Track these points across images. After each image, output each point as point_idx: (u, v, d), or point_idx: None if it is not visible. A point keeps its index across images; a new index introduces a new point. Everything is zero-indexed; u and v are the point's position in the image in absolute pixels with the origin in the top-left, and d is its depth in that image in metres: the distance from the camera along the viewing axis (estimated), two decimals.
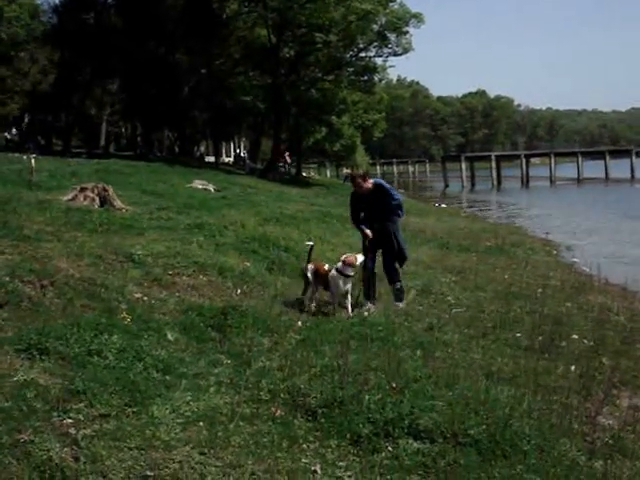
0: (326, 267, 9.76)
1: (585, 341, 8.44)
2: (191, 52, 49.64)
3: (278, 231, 15.29)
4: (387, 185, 10.31)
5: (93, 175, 21.50)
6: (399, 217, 10.33)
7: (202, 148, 71.19)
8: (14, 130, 51.33)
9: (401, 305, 9.97)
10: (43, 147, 43.23)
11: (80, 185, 15.49)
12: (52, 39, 47.81)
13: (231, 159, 72.15)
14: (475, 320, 9.40)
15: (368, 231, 10.05)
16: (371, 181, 10.23)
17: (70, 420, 4.79)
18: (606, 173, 77.07)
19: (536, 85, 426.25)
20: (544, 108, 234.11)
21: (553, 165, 79.96)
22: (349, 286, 9.55)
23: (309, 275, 9.75)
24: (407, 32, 48.21)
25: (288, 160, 57.32)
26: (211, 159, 59.93)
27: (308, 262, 10.03)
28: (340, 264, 9.53)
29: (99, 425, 4.80)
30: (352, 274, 9.56)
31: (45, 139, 48.56)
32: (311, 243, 10.66)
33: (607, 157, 79.82)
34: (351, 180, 10.77)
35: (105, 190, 15.07)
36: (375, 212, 10.08)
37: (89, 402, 5.08)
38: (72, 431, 4.63)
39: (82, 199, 14.61)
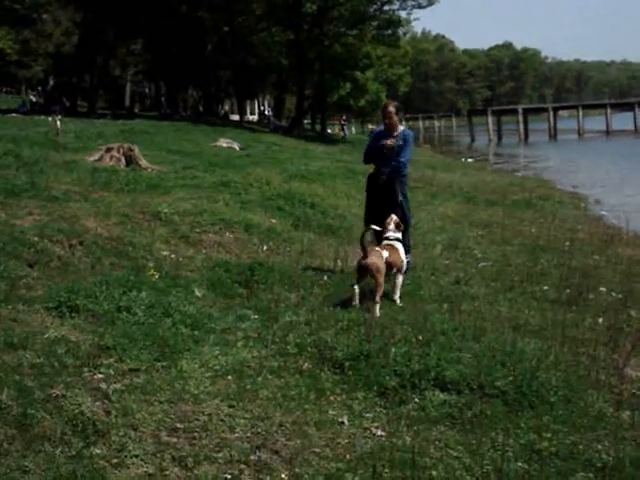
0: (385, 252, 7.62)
1: (613, 294, 8.39)
2: (213, 9, 49.34)
3: (304, 188, 15.27)
4: (411, 140, 8.95)
5: (119, 135, 21.60)
6: (404, 178, 9.01)
7: (226, 107, 71.32)
8: (33, 94, 51.58)
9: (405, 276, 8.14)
10: (68, 109, 43.40)
11: (106, 146, 15.57)
12: (74, 0, 47.66)
13: (255, 117, 72.12)
14: (502, 274, 9.37)
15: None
16: (401, 127, 8.97)
17: (101, 375, 4.88)
18: (635, 125, 75.76)
19: (563, 36, 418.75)
20: (572, 60, 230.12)
21: (581, 117, 78.83)
22: None
23: (381, 266, 7.35)
24: None
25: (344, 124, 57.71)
26: (235, 117, 60.00)
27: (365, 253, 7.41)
28: (392, 232, 8.06)
29: (129, 380, 4.88)
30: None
31: (70, 101, 48.72)
32: (376, 227, 8.11)
33: (636, 109, 78.40)
34: (383, 109, 9.05)
35: (131, 150, 15.13)
36: (386, 164, 8.79)
37: (119, 357, 5.16)
38: (103, 386, 4.71)
39: (108, 159, 14.68)
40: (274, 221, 11.53)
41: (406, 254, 8.26)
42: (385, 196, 8.78)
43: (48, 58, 55.80)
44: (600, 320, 7.20)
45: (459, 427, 4.62)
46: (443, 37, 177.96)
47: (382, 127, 9.17)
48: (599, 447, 4.40)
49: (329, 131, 65.55)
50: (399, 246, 7.96)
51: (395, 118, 8.85)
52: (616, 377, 5.63)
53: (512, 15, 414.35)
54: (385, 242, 7.94)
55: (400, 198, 8.84)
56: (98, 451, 3.95)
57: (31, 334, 5.34)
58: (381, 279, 7.27)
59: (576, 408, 4.95)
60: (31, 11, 47.09)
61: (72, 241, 8.12)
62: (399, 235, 8.11)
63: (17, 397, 4.29)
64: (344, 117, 57.66)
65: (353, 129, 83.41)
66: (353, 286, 7.28)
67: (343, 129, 57.64)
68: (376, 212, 8.70)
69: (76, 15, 51.49)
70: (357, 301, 7.17)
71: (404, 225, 8.50)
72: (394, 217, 8.24)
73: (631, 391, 5.44)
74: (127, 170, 14.07)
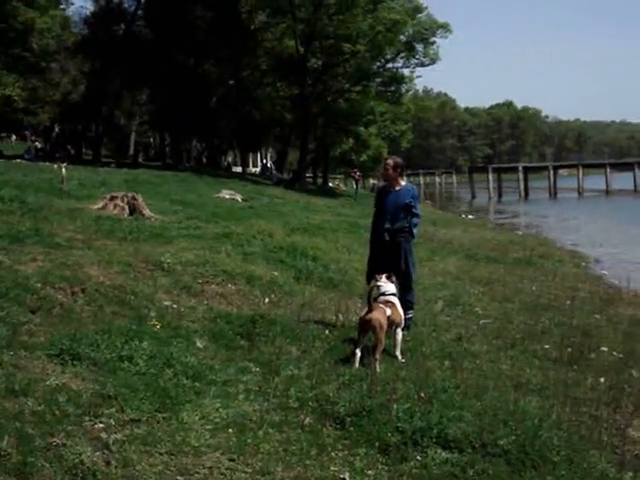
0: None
1: (614, 353, 8.38)
2: (219, 63, 50.14)
3: (306, 241, 15.32)
4: (416, 195, 9.12)
5: (122, 184, 21.75)
6: (413, 237, 8.98)
7: (229, 158, 71.81)
8: (37, 140, 52.09)
9: (405, 333, 8.16)
10: (73, 156, 43.73)
11: (110, 194, 15.67)
12: (82, 50, 48.58)
13: (258, 169, 72.54)
14: (503, 331, 9.36)
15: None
16: (403, 182, 9.05)
17: (101, 424, 4.85)
18: (635, 185, 76.11)
19: (564, 96, 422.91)
20: (572, 119, 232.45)
21: (581, 176, 79.33)
22: None
23: (383, 323, 7.26)
24: (434, 42, 48.54)
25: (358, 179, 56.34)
26: (238, 169, 60.43)
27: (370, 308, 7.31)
28: (383, 285, 7.95)
29: (130, 430, 4.85)
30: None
31: (75, 148, 49.13)
32: (381, 284, 8.03)
33: (636, 169, 78.86)
34: (384, 164, 9.19)
35: (134, 199, 15.23)
36: (391, 219, 8.83)
37: (120, 407, 5.13)
38: (103, 435, 4.68)
39: (112, 208, 14.77)
40: (276, 274, 11.53)
41: (409, 310, 8.41)
42: (390, 252, 8.78)
43: (55, 106, 56.32)
44: (602, 380, 7.18)
45: None
46: (445, 95, 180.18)
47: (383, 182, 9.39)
48: None
49: (330, 185, 65.86)
50: (396, 301, 7.89)
51: (391, 172, 8.89)
52: (618, 438, 5.60)
53: (513, 74, 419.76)
54: (382, 298, 7.79)
55: (406, 255, 8.86)
56: None
57: (32, 381, 5.32)
58: (382, 335, 7.19)
59: (579, 469, 4.92)
60: (40, 59, 47.69)
61: (75, 288, 8.12)
62: (394, 289, 8.02)
63: (17, 445, 4.28)
64: (358, 172, 55.77)
65: (354, 183, 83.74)
66: (355, 349, 7.17)
67: (357, 185, 55.79)
68: (379, 269, 8.65)
69: (84, 64, 52.23)
70: (357, 364, 7.02)
71: (408, 281, 8.70)
72: (383, 275, 8.07)
73: (634, 452, 5.42)
74: (130, 219, 14.15)
